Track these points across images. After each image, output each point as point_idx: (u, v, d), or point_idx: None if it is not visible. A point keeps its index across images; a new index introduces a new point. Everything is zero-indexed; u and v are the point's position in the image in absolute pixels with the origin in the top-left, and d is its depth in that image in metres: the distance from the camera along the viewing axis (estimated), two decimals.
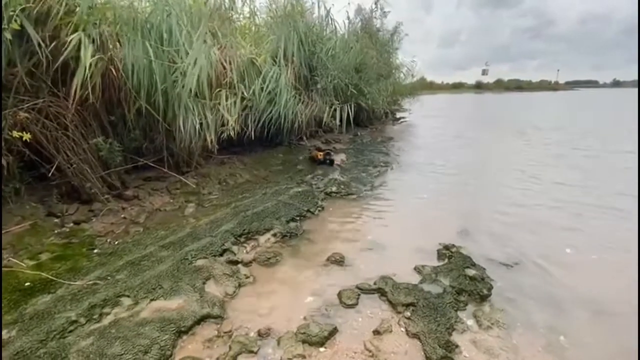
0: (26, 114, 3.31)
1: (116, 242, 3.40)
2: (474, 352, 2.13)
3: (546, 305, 2.62)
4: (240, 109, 5.32)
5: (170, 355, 2.10)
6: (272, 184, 5.72)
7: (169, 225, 3.85)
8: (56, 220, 3.68)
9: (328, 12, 8.38)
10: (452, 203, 5.00)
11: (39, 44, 3.01)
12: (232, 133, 5.07)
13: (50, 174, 3.77)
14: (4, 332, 2.12)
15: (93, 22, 3.30)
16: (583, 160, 7.77)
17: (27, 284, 2.57)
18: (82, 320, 2.26)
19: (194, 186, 5.16)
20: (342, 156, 7.71)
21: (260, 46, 6.19)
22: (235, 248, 3.48)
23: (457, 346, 2.15)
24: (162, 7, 4.04)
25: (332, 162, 7.15)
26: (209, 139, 4.74)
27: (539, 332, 2.33)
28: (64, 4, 3.10)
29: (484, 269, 3.10)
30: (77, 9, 3.21)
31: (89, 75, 3.25)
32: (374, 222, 4.28)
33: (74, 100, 3.28)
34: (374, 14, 11.55)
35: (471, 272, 3.01)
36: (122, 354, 2.03)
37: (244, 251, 3.49)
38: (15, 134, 3.08)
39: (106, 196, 4.21)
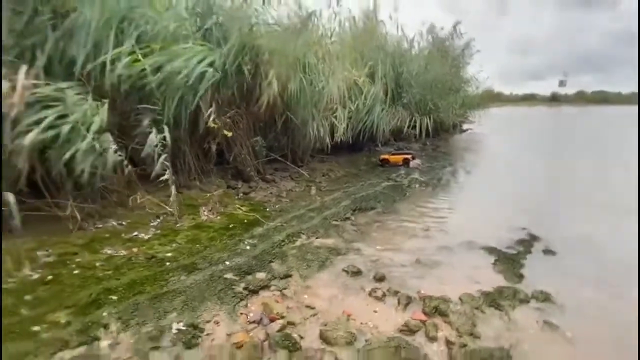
0: (228, 119, 5.18)
1: (276, 206, 5.06)
2: (539, 282, 3.22)
3: (595, 269, 3.58)
4: (347, 120, 6.89)
5: (334, 264, 3.54)
6: (365, 179, 7.15)
7: (305, 199, 5.45)
8: (233, 190, 5.50)
9: (412, 39, 9.69)
10: (518, 200, 5.87)
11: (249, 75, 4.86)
12: (342, 137, 6.63)
13: (229, 161, 5.66)
14: (251, 240, 3.79)
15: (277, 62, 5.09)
16: None
17: (245, 220, 4.29)
18: (286, 241, 3.85)
19: (308, 176, 6.81)
20: (418, 161, 8.89)
21: (360, 70, 7.72)
22: (353, 218, 4.93)
23: (524, 277, 3.29)
24: (304, 46, 5.74)
25: (407, 164, 8.43)
26: (326, 141, 6.35)
27: (589, 282, 3.32)
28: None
29: (551, 242, 4.09)
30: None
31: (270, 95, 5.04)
32: (454, 207, 5.42)
33: (265, 110, 5.05)
34: (452, 36, 12.51)
35: (539, 245, 4.06)
36: (312, 260, 3.54)
37: (360, 220, 4.92)
38: (226, 132, 4.92)
39: (256, 178, 6.01)
